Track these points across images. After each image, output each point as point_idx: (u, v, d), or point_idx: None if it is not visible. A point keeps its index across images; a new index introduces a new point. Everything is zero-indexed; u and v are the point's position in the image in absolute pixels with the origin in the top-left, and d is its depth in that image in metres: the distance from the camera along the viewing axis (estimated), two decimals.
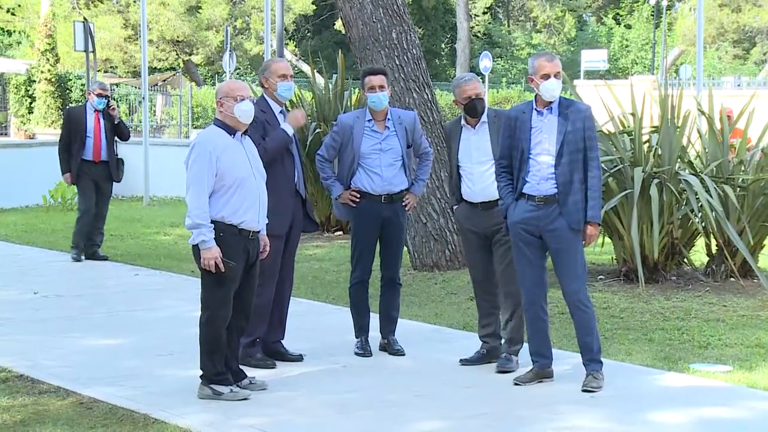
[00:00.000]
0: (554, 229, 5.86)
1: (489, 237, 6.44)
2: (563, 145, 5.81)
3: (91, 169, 10.66)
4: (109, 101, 10.77)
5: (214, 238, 5.60)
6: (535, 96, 5.95)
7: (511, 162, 5.97)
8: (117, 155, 10.77)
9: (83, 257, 10.77)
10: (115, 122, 10.72)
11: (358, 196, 6.69)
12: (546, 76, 5.84)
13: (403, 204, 6.78)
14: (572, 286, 5.91)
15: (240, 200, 5.67)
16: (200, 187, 5.60)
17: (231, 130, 5.76)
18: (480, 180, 6.41)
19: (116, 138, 10.78)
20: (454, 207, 6.73)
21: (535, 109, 5.93)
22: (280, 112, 6.49)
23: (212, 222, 5.62)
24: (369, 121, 6.70)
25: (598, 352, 5.96)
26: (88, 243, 10.78)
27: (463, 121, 6.52)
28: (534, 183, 5.89)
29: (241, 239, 5.69)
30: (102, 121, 10.64)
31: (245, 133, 5.85)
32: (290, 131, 6.41)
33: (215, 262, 5.57)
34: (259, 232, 5.83)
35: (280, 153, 6.35)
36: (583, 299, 5.92)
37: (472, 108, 6.41)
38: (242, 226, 5.69)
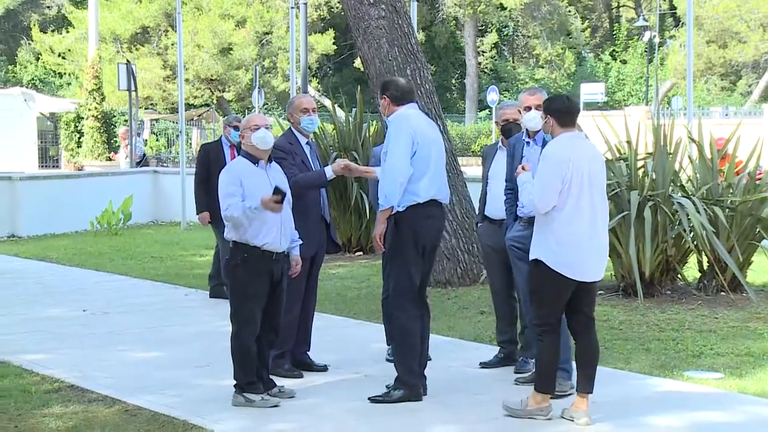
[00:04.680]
0: None
1: (507, 253, 6.44)
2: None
3: None
4: None
5: (240, 259, 5.62)
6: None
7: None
8: None
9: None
10: None
11: None
12: (527, 108, 5.85)
13: None
14: None
15: (260, 223, 5.63)
16: (231, 196, 5.60)
17: (254, 159, 5.78)
18: (502, 197, 6.38)
19: None
20: (478, 224, 6.75)
21: (525, 140, 5.95)
22: (306, 143, 6.49)
23: (236, 244, 5.64)
24: None
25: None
26: (211, 281, 9.57)
27: (499, 143, 6.55)
28: (521, 206, 5.94)
29: (264, 260, 5.68)
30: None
31: (269, 161, 5.84)
32: (329, 175, 6.32)
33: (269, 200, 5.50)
34: (282, 253, 5.81)
35: (308, 190, 6.31)
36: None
37: (507, 130, 6.41)
38: (265, 247, 5.67)
